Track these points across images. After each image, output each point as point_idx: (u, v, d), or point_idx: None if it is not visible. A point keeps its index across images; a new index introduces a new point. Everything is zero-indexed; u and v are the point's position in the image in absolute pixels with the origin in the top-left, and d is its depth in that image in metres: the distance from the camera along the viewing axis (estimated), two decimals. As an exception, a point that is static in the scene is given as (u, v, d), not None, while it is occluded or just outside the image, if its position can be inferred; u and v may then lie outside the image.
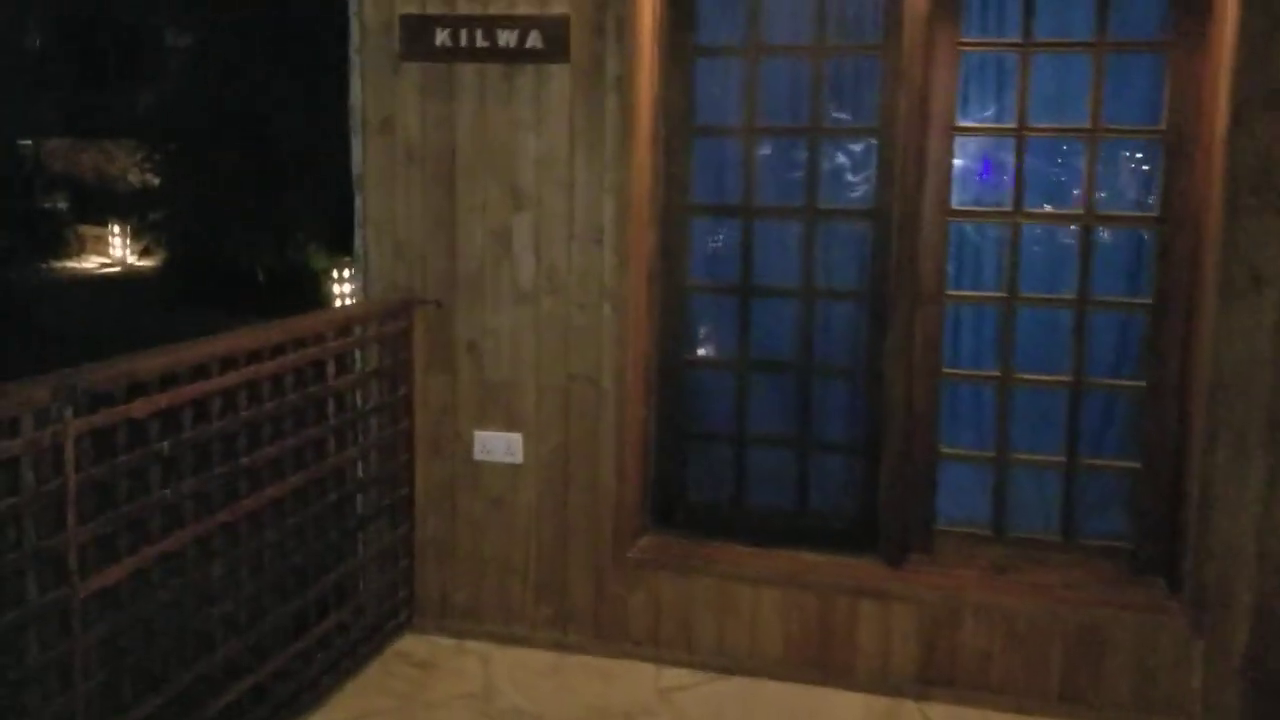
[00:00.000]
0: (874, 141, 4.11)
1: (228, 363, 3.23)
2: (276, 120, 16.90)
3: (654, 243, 4.27)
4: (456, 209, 4.23)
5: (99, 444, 2.77)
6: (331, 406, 3.82)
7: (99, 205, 22.67)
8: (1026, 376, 4.09)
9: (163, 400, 2.95)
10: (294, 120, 16.33)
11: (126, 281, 21.37)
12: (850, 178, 4.21)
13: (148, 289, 20.17)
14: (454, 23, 4.12)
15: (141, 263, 21.67)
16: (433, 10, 4.15)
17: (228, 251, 18.93)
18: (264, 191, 17.95)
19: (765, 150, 4.24)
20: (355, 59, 4.27)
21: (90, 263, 23.18)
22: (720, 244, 4.33)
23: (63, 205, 23.18)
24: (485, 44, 4.10)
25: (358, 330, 4.01)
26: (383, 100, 4.25)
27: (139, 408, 2.87)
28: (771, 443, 4.33)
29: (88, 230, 23.37)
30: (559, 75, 4.07)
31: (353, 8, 4.25)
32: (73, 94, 22.32)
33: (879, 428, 4.13)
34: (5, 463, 2.52)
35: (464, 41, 4.12)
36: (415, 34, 4.16)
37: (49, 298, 19.31)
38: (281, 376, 3.49)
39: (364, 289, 4.39)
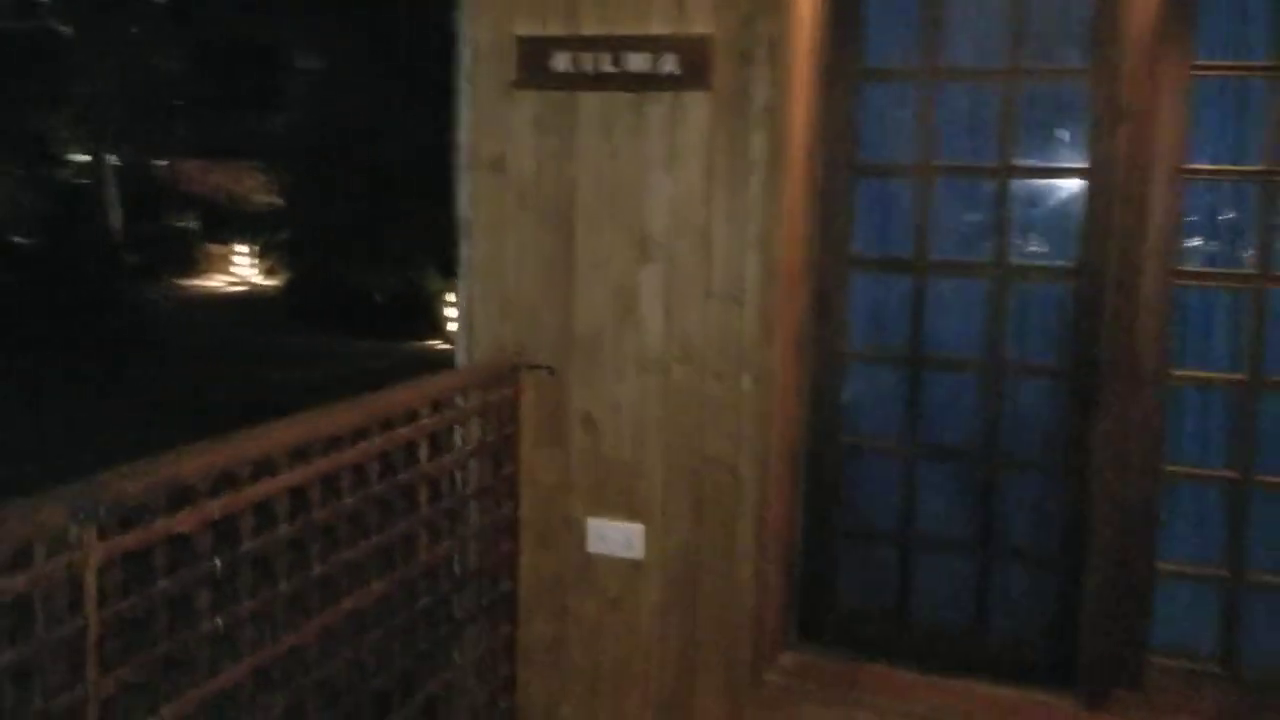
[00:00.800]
0: (1081, 184, 3.37)
1: (298, 454, 2.68)
2: (397, 144, 16.80)
3: (805, 303, 3.60)
4: (574, 260, 3.64)
5: (131, 563, 2.24)
6: (424, 492, 3.26)
7: (227, 225, 23.11)
8: (1269, 479, 3.28)
9: (214, 509, 2.41)
10: (414, 144, 16.20)
11: (251, 300, 21.71)
12: (1049, 228, 3.47)
13: (272, 308, 20.43)
14: (577, 45, 3.54)
15: (266, 282, 21.99)
16: (553, 31, 3.58)
17: (348, 272, 18.97)
18: (384, 214, 17.91)
19: (943, 193, 3.53)
20: (464, 87, 3.73)
21: (217, 281, 23.65)
22: (886, 305, 3.63)
23: (193, 225, 23.74)
24: (612, 69, 3.51)
25: (458, 401, 3.45)
26: (493, 134, 3.69)
27: (184, 521, 2.33)
28: (944, 546, 3.60)
29: (216, 249, 23.88)
30: (697, 105, 3.45)
31: (463, 28, 3.71)
32: (206, 116, 22.81)
33: (1080, 534, 3.37)
34: (14, 602, 2.00)
35: (588, 67, 3.53)
36: (532, 58, 3.59)
37: (178, 315, 19.65)
38: (364, 465, 2.93)
39: (466, 349, 3.84)
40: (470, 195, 3.76)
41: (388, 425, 3.03)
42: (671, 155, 3.50)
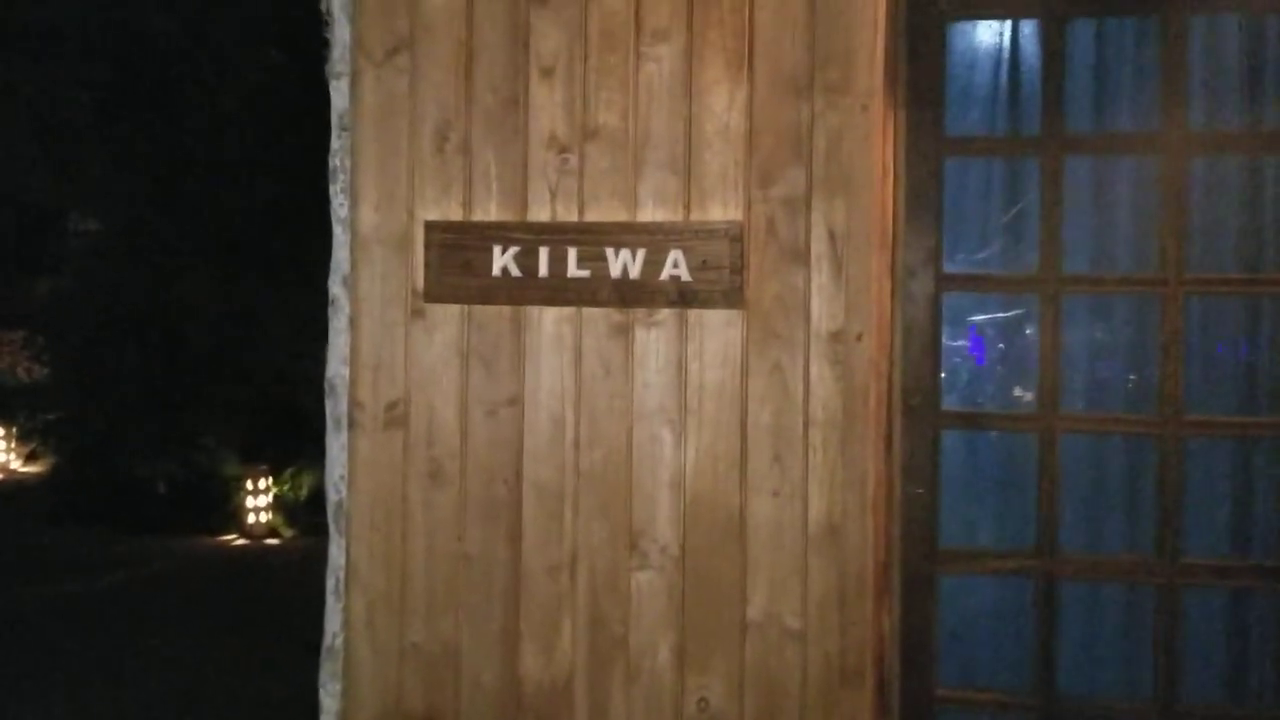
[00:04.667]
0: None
1: None
2: (187, 315, 14.90)
3: (892, 629, 2.35)
4: (523, 567, 2.29)
5: None
6: None
7: (-19, 404, 20.20)
8: None
9: None
10: (211, 313, 14.38)
11: (5, 491, 18.79)
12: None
13: (33, 499, 17.65)
14: (524, 238, 2.27)
15: (26, 469, 19.15)
16: (487, 214, 2.30)
17: (125, 457, 16.53)
18: (172, 392, 15.76)
19: (1070, 450, 2.39)
20: (337, 297, 2.38)
21: (-34, 469, 20.47)
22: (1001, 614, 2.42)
23: (-62, 404, 20.62)
24: (582, 273, 2.26)
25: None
26: (386, 371, 2.34)
27: None
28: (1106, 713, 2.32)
29: (-35, 432, 20.76)
30: (721, 330, 2.23)
31: (337, 209, 2.38)
32: (-41, 280, 20.12)
33: None
34: None
35: (543, 270, 2.27)
36: (452, 256, 2.30)
37: (-89, 513, 16.60)
38: None
39: (339, 712, 2.37)
40: (347, 463, 2.37)
41: None
42: (681, 405, 2.24)
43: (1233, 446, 2.31)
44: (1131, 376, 2.34)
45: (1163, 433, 2.27)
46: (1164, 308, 2.27)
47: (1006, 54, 2.37)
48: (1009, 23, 2.38)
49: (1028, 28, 2.37)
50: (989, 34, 2.39)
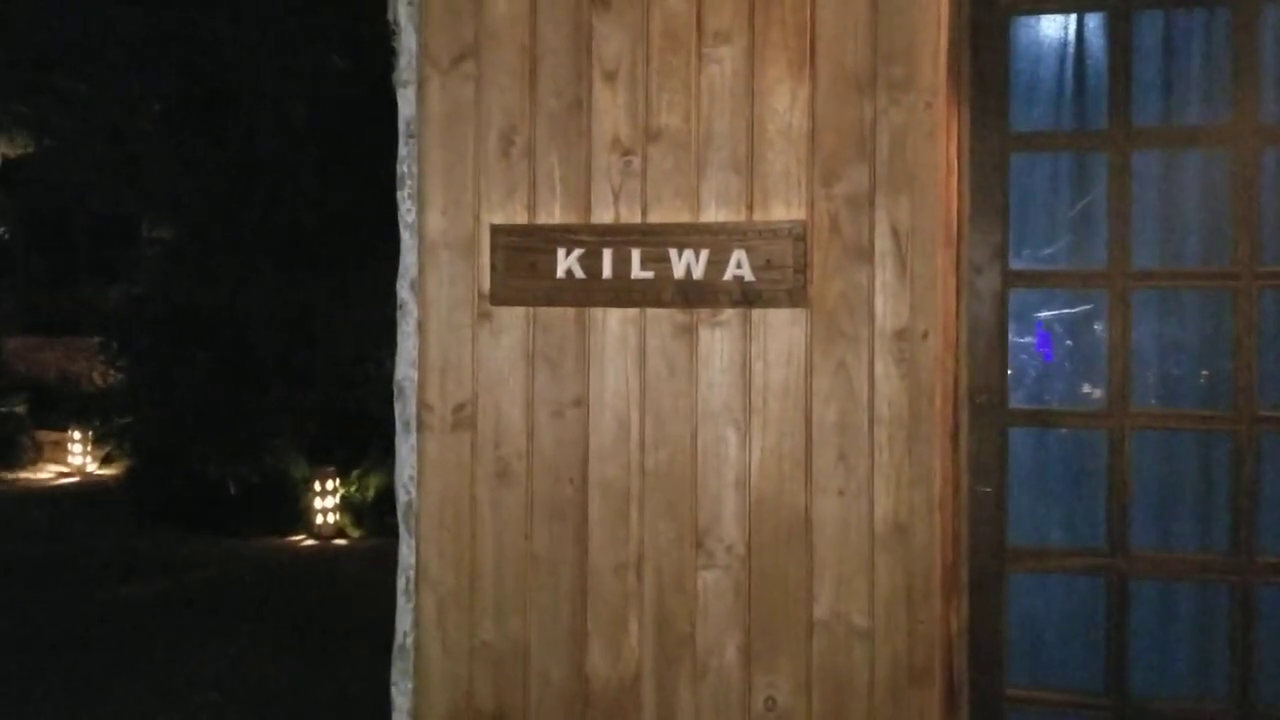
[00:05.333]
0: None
1: None
2: (255, 320, 15.23)
3: (960, 629, 2.33)
4: (589, 565, 2.32)
5: None
6: None
7: (59, 409, 20.80)
8: None
9: None
10: (277, 319, 14.68)
11: (84, 493, 19.33)
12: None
13: (109, 501, 18.17)
14: (590, 239, 2.30)
15: (102, 471, 19.70)
16: (551, 218, 2.34)
17: (197, 459, 16.95)
18: (241, 396, 16.12)
19: (1143, 449, 2.35)
20: (405, 301, 2.43)
21: (47, 472, 21.09)
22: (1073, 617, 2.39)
23: (20, 409, 21.28)
24: (645, 274, 2.28)
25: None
26: (453, 372, 2.39)
27: None
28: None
29: (45, 436, 21.41)
30: (785, 329, 2.23)
31: (404, 214, 2.43)
32: (38, 288, 20.73)
33: None
34: None
35: (606, 271, 2.29)
36: (517, 259, 2.33)
37: (-4, 513, 17.17)
38: None
39: (411, 710, 2.42)
40: (416, 464, 2.42)
41: None
42: (745, 405, 2.25)
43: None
44: (1204, 372, 2.30)
45: (1235, 428, 2.23)
46: (1236, 302, 2.23)
47: (1071, 48, 2.34)
48: (1074, 16, 2.35)
49: (1093, 20, 2.34)
50: (1053, 27, 2.37)
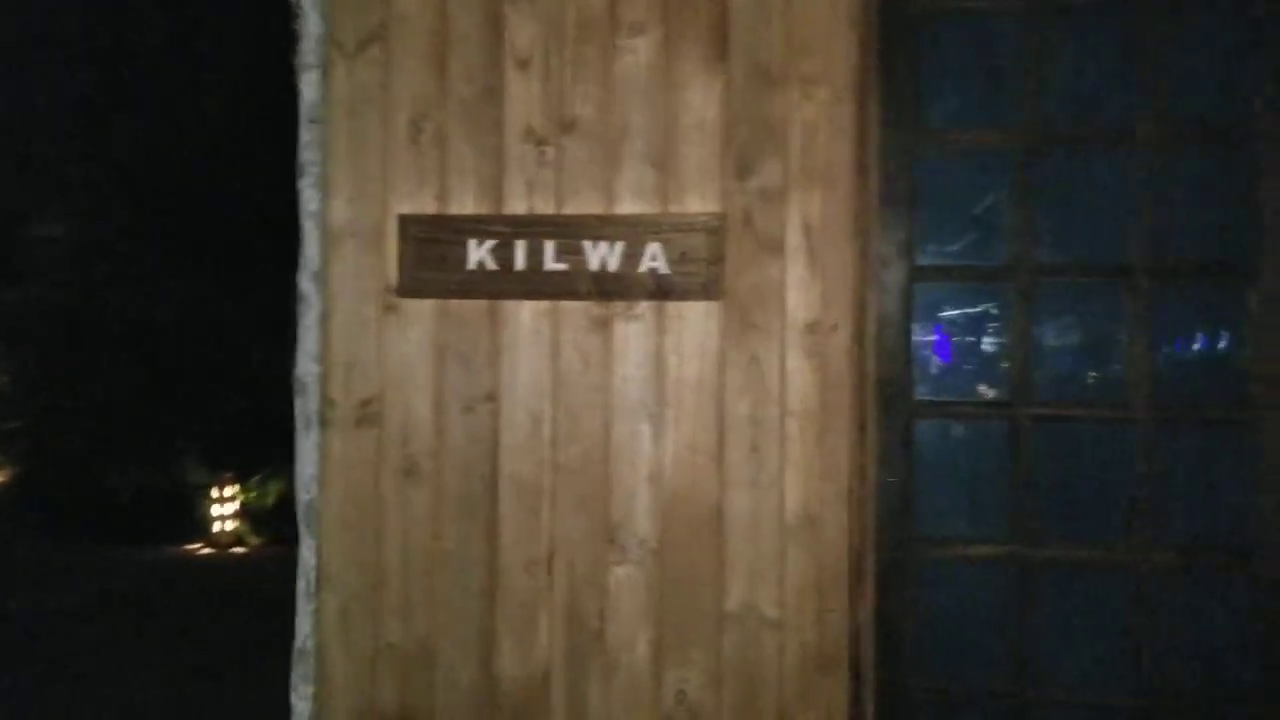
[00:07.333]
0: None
1: None
2: (152, 318, 14.72)
3: (866, 620, 2.34)
4: (499, 563, 2.27)
5: None
6: None
7: (-62, 413, 19.83)
8: None
9: None
10: (172, 317, 14.22)
11: (-36, 503, 18.45)
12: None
13: (-5, 509, 17.39)
14: (501, 231, 2.26)
15: (-12, 479, 18.81)
16: (463, 208, 2.29)
17: (88, 465, 16.31)
18: (137, 398, 15.56)
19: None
20: (307, 293, 2.36)
21: (-79, 481, 20.06)
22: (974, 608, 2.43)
23: (-106, 414, 20.22)
24: (559, 266, 2.25)
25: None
26: (359, 368, 2.32)
27: None
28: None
29: (-79, 443, 20.37)
30: (699, 322, 2.23)
31: (306, 203, 2.36)
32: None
33: None
34: None
35: (520, 263, 2.26)
36: (427, 251, 2.28)
37: None
38: None
39: (316, 707, 2.34)
40: (318, 462, 2.34)
41: None
42: (660, 399, 2.23)
43: (1198, 435, 2.33)
44: (1100, 366, 2.36)
45: (1131, 422, 2.29)
46: (1131, 298, 2.29)
47: (980, 47, 2.39)
48: (984, 17, 2.39)
49: (1002, 22, 2.38)
50: (964, 27, 2.41)
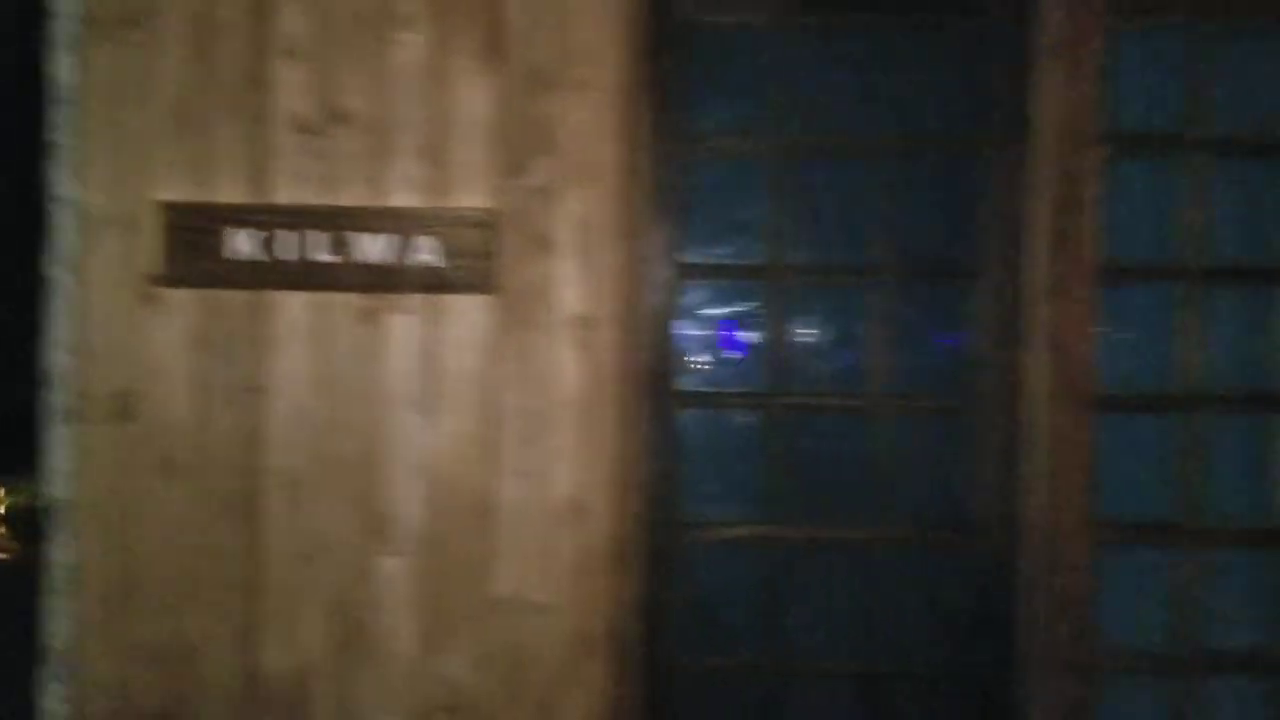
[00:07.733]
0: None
1: None
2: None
3: (639, 591, 2.45)
4: (262, 557, 2.25)
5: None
6: None
7: None
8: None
9: None
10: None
11: None
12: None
13: None
14: (267, 220, 2.23)
15: None
16: (228, 196, 2.24)
17: None
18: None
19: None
20: (62, 282, 2.25)
21: None
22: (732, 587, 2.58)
23: None
24: (328, 258, 2.24)
25: None
26: (116, 360, 2.24)
27: None
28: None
29: None
30: (472, 315, 2.27)
31: (57, 187, 2.25)
32: None
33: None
34: None
35: (287, 253, 2.23)
36: (189, 239, 2.22)
37: None
38: None
39: (70, 709, 2.25)
40: (69, 459, 2.25)
41: None
42: (429, 390, 2.26)
43: (931, 421, 2.56)
44: (845, 359, 2.55)
45: (870, 410, 2.49)
46: (872, 296, 2.49)
47: (739, 61, 2.53)
48: (752, 27, 2.53)
49: (755, 37, 2.53)
50: (730, 38, 2.54)
